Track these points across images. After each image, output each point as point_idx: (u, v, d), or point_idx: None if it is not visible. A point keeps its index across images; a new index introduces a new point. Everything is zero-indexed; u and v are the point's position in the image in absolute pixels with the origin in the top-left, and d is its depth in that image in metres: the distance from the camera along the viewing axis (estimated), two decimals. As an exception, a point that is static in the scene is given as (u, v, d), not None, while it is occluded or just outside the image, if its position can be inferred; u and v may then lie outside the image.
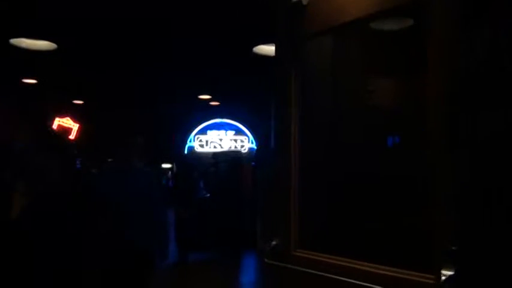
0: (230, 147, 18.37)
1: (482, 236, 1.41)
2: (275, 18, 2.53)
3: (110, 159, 13.68)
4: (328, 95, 2.66)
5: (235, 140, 19.20)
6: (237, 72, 11.04)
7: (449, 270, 1.43)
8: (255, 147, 18.96)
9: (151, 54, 9.13)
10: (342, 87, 2.67)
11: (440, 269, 1.46)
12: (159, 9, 6.70)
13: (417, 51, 1.81)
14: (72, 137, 18.13)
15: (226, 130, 19.38)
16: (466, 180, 1.45)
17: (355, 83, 2.65)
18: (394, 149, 2.35)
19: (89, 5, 6.57)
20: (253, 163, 11.33)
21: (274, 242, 2.40)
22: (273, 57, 2.68)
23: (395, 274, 1.70)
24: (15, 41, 7.75)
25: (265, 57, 7.63)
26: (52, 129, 15.02)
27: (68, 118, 18.10)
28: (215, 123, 19.38)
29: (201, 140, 19.32)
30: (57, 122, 17.87)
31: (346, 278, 1.88)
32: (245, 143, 19.08)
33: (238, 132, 19.37)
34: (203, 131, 19.41)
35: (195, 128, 19.32)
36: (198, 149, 19.20)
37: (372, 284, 1.75)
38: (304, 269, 2.12)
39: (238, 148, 18.60)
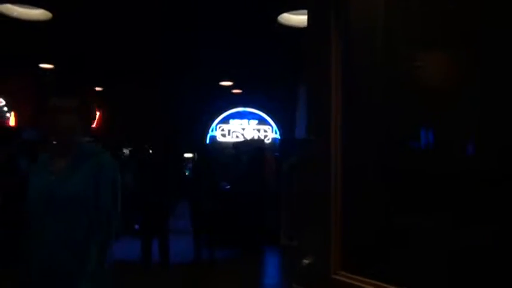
0: (253, 137, 17.80)
1: None
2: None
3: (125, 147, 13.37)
4: (382, 72, 1.99)
5: (258, 130, 18.64)
6: (260, 52, 10.41)
7: None
8: (279, 137, 18.38)
9: (168, 26, 8.46)
10: (399, 62, 2.01)
11: None
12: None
13: None
14: (94, 124, 17.91)
15: (249, 119, 18.83)
16: None
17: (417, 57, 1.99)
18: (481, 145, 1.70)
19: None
20: (276, 154, 10.75)
21: (306, 261, 1.82)
22: (304, 28, 2.07)
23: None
24: (4, 9, 6.56)
25: (291, 31, 6.70)
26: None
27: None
28: (238, 112, 18.84)
29: (223, 130, 18.84)
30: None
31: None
32: (268, 132, 18.50)
33: (262, 121, 18.80)
34: (225, 120, 18.91)
35: (217, 117, 18.84)
36: (220, 139, 18.73)
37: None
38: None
39: (261, 138, 18.03)
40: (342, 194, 1.71)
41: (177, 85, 15.19)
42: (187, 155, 15.09)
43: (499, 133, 1.47)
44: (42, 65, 11.68)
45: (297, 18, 4.89)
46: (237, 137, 18.26)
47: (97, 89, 14.99)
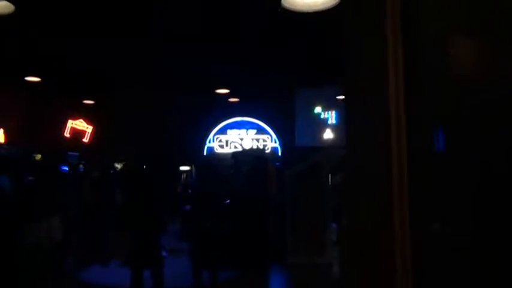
0: (252, 147, 17.17)
1: None
2: None
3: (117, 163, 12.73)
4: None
5: (257, 140, 18.02)
6: (257, 58, 9.82)
7: None
8: (279, 147, 17.74)
9: (159, 33, 7.88)
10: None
11: None
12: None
13: None
14: (85, 140, 17.27)
15: (247, 129, 18.22)
16: None
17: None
18: None
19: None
20: (277, 163, 10.11)
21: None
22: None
23: None
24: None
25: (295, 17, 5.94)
26: None
27: (82, 120, 17.24)
28: (235, 122, 18.23)
29: (220, 140, 18.20)
30: (70, 125, 17.03)
31: None
32: (268, 142, 17.87)
33: (260, 130, 18.18)
34: (223, 131, 18.28)
35: (214, 127, 18.22)
36: (218, 150, 18.08)
37: None
38: None
39: (261, 147, 17.40)
40: (411, 227, 1.07)
41: (171, 95, 14.58)
42: (184, 168, 14.43)
43: None
44: (29, 78, 11.05)
45: (303, 2, 4.30)
46: (235, 147, 17.63)
47: (87, 102, 14.34)
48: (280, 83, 15.07)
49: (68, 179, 6.30)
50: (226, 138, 18.18)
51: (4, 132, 14.31)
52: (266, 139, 18.01)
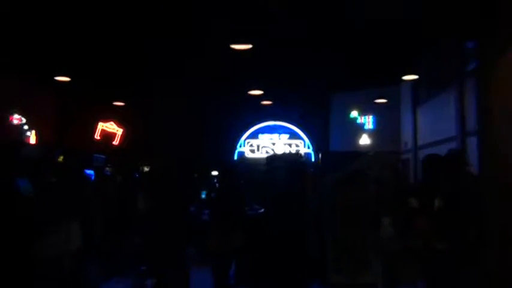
0: (284, 153, 16.57)
1: None
2: None
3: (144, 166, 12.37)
4: None
5: (290, 145, 17.43)
6: (293, 60, 9.25)
7: None
8: (312, 152, 17.07)
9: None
10: None
11: None
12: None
13: None
14: (116, 142, 17.10)
15: (279, 133, 17.66)
16: None
17: None
18: None
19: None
20: (312, 170, 9.45)
21: None
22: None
23: None
24: None
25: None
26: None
27: (112, 122, 17.10)
28: (267, 126, 17.71)
29: (251, 145, 17.70)
30: (101, 127, 16.90)
31: None
32: (300, 147, 17.26)
33: (293, 135, 17.58)
34: (254, 135, 17.78)
35: (246, 131, 17.74)
36: (249, 155, 17.58)
37: None
38: None
39: (298, 151, 16.75)
40: None
41: (203, 97, 14.20)
42: (214, 173, 13.96)
43: None
44: (58, 78, 10.85)
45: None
46: (267, 152, 17.08)
47: (117, 103, 14.12)
48: (314, 86, 14.49)
49: (93, 183, 5.91)
50: (258, 143, 17.67)
51: (36, 134, 14.25)
52: (299, 144, 17.40)
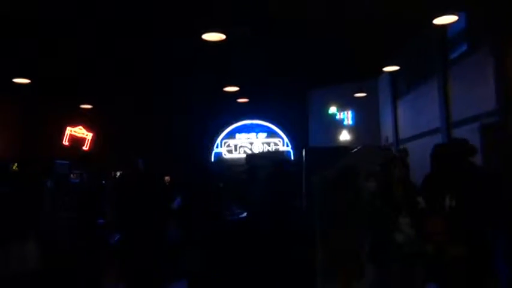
0: (263, 151, 16.04)
1: None
2: None
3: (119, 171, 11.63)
4: None
5: (268, 143, 16.90)
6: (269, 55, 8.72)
7: None
8: (291, 150, 16.60)
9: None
10: None
11: None
12: None
13: None
14: (85, 148, 16.22)
15: (257, 132, 17.12)
16: None
17: None
18: None
19: None
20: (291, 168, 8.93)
21: None
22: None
23: None
24: None
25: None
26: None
27: (81, 127, 16.21)
28: (244, 125, 17.15)
29: (229, 145, 17.11)
30: (69, 132, 15.99)
31: None
32: (279, 145, 16.74)
33: (271, 134, 17.07)
34: (231, 135, 17.19)
35: (222, 131, 17.13)
36: (227, 155, 16.99)
37: None
38: None
39: (280, 150, 16.22)
40: None
41: (177, 96, 13.54)
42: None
43: None
44: (17, 80, 10.01)
45: None
46: (245, 152, 16.52)
47: (85, 106, 13.31)
48: (292, 82, 14.04)
49: (52, 192, 5.24)
50: (235, 143, 17.10)
51: (-3, 141, 13.31)
52: (278, 142, 16.90)
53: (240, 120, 16.93)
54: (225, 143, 17.07)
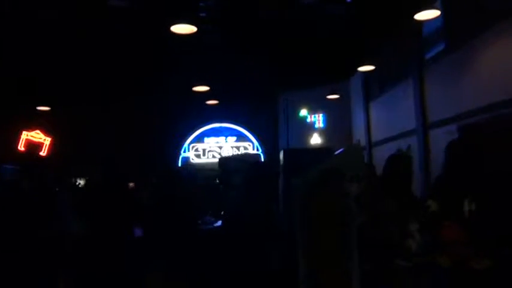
0: (238, 153, 15.48)
1: None
2: None
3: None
4: None
5: (238, 148, 16.38)
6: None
7: None
8: (261, 154, 16.13)
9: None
10: None
11: None
12: None
13: None
14: (43, 153, 15.20)
15: (226, 136, 16.58)
16: None
17: None
18: None
19: None
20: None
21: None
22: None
23: None
24: None
25: None
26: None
27: (38, 131, 15.19)
28: (213, 128, 16.58)
29: (197, 149, 16.48)
30: (25, 137, 14.95)
31: None
32: (249, 149, 16.24)
33: (241, 137, 16.57)
34: (199, 139, 16.57)
35: (190, 135, 16.48)
36: (195, 160, 16.34)
37: None
38: None
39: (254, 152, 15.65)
40: None
41: (142, 97, 12.82)
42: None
43: None
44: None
45: None
46: (214, 156, 15.94)
47: (42, 108, 12.39)
48: (261, 85, 13.64)
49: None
50: (203, 147, 16.48)
51: None
52: (247, 146, 16.41)
53: (209, 124, 16.36)
54: (193, 147, 16.44)
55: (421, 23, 8.97)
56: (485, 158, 2.75)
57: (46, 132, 15.27)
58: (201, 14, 7.52)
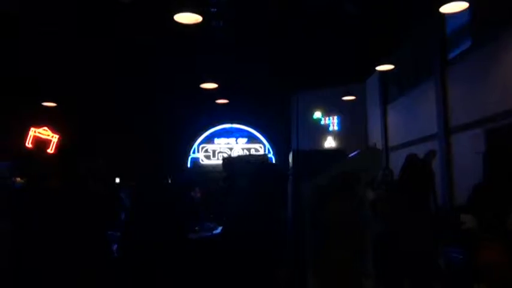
0: (243, 154, 15.04)
1: None
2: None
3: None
4: None
5: (248, 149, 15.91)
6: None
7: None
8: (273, 157, 15.65)
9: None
10: None
11: None
12: None
13: None
14: (50, 150, 14.92)
15: (236, 137, 16.13)
16: None
17: None
18: None
19: None
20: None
21: None
22: None
23: None
24: None
25: None
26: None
27: (46, 128, 14.91)
28: (223, 129, 16.15)
29: (207, 150, 16.07)
30: (33, 133, 14.69)
31: None
32: (260, 151, 15.76)
33: (252, 139, 16.10)
34: (209, 139, 16.15)
35: (200, 135, 16.07)
36: (204, 161, 15.92)
37: None
38: None
39: (263, 153, 15.16)
40: None
41: (151, 94, 12.45)
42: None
43: None
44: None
45: None
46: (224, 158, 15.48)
47: (48, 104, 12.08)
48: (273, 85, 13.15)
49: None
50: (213, 148, 16.06)
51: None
52: (259, 148, 15.93)
53: (219, 124, 15.93)
54: (202, 148, 16.02)
55: (443, 18, 8.41)
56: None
57: (54, 130, 15.00)
58: (212, 10, 7.14)
